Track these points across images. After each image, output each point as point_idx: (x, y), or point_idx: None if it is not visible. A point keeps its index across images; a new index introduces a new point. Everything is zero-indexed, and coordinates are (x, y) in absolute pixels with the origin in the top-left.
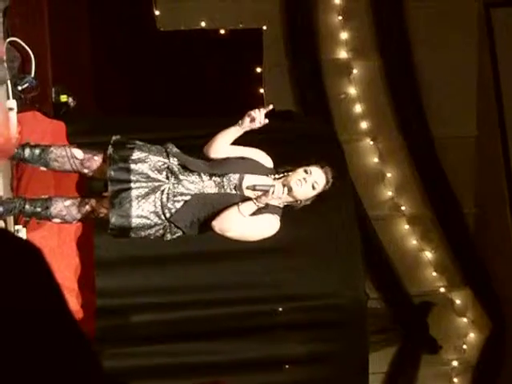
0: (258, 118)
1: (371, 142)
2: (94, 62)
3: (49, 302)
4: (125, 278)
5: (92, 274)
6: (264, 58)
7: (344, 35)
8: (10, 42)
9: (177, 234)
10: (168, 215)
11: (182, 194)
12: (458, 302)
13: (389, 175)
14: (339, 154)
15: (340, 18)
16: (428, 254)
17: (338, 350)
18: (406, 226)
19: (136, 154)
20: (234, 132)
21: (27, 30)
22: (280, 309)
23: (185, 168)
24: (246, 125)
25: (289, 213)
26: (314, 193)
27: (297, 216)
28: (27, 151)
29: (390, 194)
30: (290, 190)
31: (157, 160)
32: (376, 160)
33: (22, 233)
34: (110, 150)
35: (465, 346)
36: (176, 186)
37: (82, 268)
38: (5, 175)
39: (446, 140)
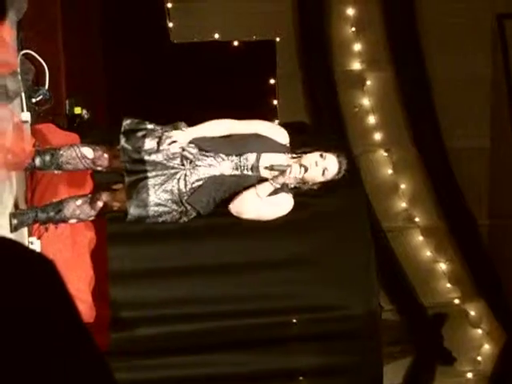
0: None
1: (385, 154)
2: (108, 74)
3: (62, 314)
4: (139, 290)
5: (106, 286)
6: (277, 70)
7: (357, 46)
8: (24, 55)
9: (192, 216)
10: (185, 200)
11: (198, 180)
12: (472, 313)
13: (403, 187)
14: (352, 166)
15: (353, 29)
16: (442, 266)
17: (352, 362)
18: (420, 238)
19: (148, 144)
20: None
21: (41, 43)
22: (294, 320)
23: (200, 150)
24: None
25: (303, 224)
26: (323, 179)
27: (311, 228)
28: (38, 160)
29: (403, 205)
30: (306, 170)
31: (171, 148)
32: (390, 171)
33: (37, 245)
34: (122, 140)
35: (479, 358)
36: (192, 171)
37: (96, 280)
38: (19, 187)
39: (460, 151)
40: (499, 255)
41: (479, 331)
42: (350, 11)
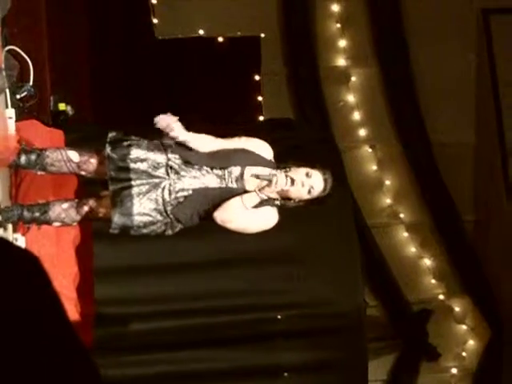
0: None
1: (370, 150)
2: (93, 70)
3: (47, 310)
4: (124, 286)
5: (91, 282)
6: (262, 66)
7: (342, 43)
8: (9, 51)
9: (177, 229)
10: (169, 211)
11: (183, 190)
12: (457, 309)
13: (387, 183)
14: (338, 162)
15: (338, 25)
16: (427, 262)
17: (338, 358)
18: (405, 234)
19: (134, 153)
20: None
21: (26, 39)
22: (279, 316)
23: (185, 162)
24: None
25: (288, 220)
26: (308, 197)
27: (296, 224)
28: (23, 158)
29: (388, 201)
30: (292, 182)
31: (156, 157)
32: (374, 168)
33: (21, 241)
34: (108, 149)
35: (464, 354)
36: (177, 181)
37: (80, 276)
38: (3, 183)
39: (445, 147)
40: (484, 251)
41: (464, 327)
42: (335, 7)
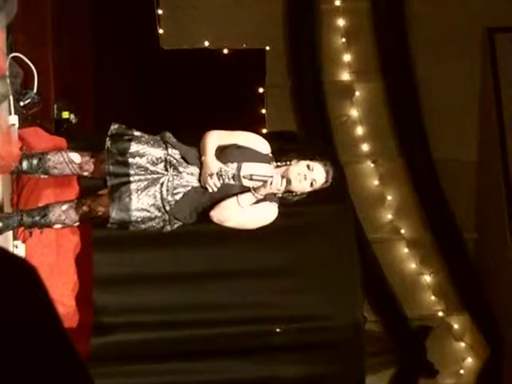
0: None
1: (372, 165)
2: (97, 78)
3: (43, 322)
4: (123, 295)
5: (90, 291)
6: (266, 79)
7: (347, 57)
8: (13, 58)
9: (176, 225)
10: (168, 208)
11: (181, 186)
12: (455, 326)
13: (389, 198)
14: (340, 176)
15: (343, 39)
16: (427, 278)
17: (335, 372)
18: (406, 250)
19: (134, 147)
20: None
21: (30, 46)
22: (277, 329)
23: (184, 158)
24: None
25: (288, 234)
26: (311, 189)
27: (296, 237)
28: (25, 163)
29: (389, 216)
30: (288, 182)
31: (155, 152)
32: (376, 183)
33: (21, 248)
34: (108, 143)
35: (462, 371)
36: (175, 177)
37: (80, 285)
38: (5, 191)
39: (447, 164)
40: (484, 269)
41: (462, 344)
42: (341, 22)
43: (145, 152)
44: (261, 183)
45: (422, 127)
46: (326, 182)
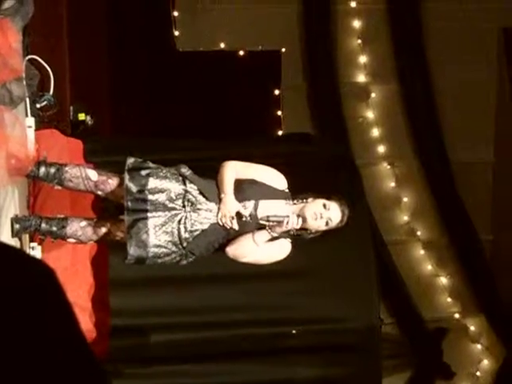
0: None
1: (388, 167)
2: (113, 80)
3: (60, 321)
4: (139, 297)
5: (106, 293)
6: (282, 81)
7: (363, 59)
8: (30, 60)
9: (192, 259)
10: (185, 244)
11: (199, 223)
12: (472, 328)
13: (405, 200)
14: (356, 178)
15: (359, 41)
16: (443, 280)
17: (351, 375)
18: (422, 251)
19: (152, 183)
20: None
21: (46, 48)
22: (294, 331)
23: (202, 194)
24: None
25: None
26: (326, 228)
27: (312, 240)
28: (42, 170)
29: (406, 218)
30: (304, 220)
31: (174, 188)
32: (393, 184)
33: (37, 250)
34: (126, 178)
35: (478, 373)
36: (193, 214)
37: (96, 287)
38: (21, 192)
39: (464, 165)
40: (501, 271)
41: (479, 346)
42: (356, 23)
43: (163, 188)
44: (276, 223)
45: (438, 128)
46: (342, 221)
